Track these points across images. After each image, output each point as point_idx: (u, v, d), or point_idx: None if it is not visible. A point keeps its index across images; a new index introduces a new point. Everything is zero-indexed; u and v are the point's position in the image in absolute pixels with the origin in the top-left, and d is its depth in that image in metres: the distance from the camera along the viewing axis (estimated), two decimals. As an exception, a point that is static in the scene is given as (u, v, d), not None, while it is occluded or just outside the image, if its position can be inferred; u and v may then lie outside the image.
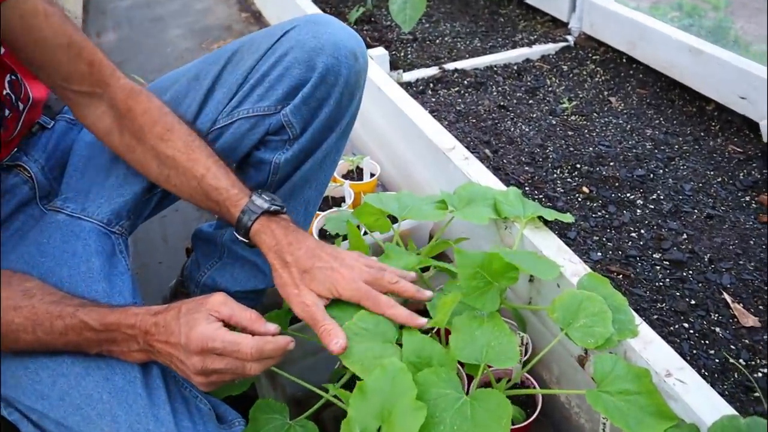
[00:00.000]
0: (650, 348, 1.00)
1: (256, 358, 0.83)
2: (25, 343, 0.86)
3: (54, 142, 1.11)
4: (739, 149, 1.60)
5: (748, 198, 1.44)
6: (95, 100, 1.00)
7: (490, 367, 0.97)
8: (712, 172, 1.52)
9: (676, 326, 1.11)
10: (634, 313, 1.05)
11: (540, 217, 1.25)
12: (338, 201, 1.67)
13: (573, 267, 1.14)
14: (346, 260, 0.97)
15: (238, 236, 0.99)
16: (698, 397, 0.93)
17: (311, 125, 1.10)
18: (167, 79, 1.16)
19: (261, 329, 0.86)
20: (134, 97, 1.01)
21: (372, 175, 1.72)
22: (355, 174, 1.75)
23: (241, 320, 0.86)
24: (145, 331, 0.85)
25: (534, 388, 1.15)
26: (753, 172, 1.52)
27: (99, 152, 1.08)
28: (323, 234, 1.54)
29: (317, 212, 1.49)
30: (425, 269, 1.33)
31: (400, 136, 1.70)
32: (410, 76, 2.00)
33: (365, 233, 1.48)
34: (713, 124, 1.72)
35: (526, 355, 1.18)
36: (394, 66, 2.08)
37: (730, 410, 0.91)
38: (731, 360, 1.05)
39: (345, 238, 1.33)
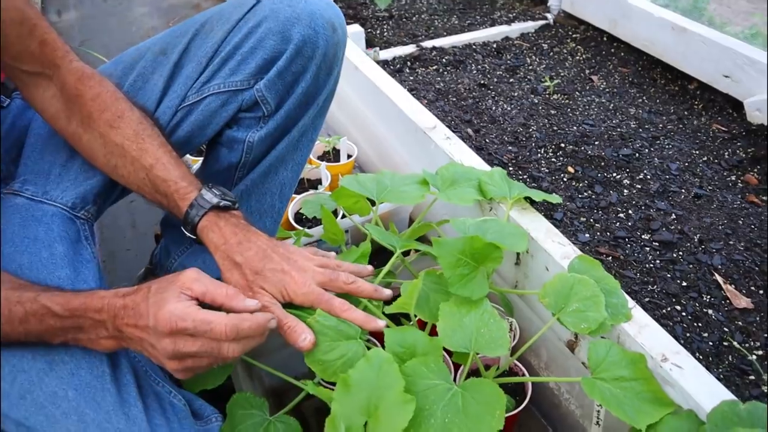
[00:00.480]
0: (645, 332, 0.96)
1: (233, 338, 0.76)
2: None
3: (10, 121, 1.03)
4: (723, 128, 1.58)
5: (734, 177, 1.41)
6: (45, 81, 0.94)
7: (478, 354, 0.92)
8: (697, 152, 1.49)
9: (669, 309, 1.07)
10: (627, 297, 1.01)
11: (527, 198, 1.21)
12: (314, 183, 1.60)
13: (562, 249, 1.09)
14: (298, 262, 0.92)
15: (186, 232, 0.93)
16: (695, 383, 0.90)
17: (287, 101, 1.04)
18: (132, 54, 1.08)
19: (239, 306, 0.79)
20: (85, 81, 0.94)
21: (349, 156, 1.65)
22: (332, 155, 1.69)
23: (217, 297, 0.79)
24: (113, 315, 0.79)
25: (523, 375, 1.11)
26: (738, 151, 1.49)
27: None
28: (299, 218, 1.48)
29: (293, 195, 1.43)
30: (407, 253, 1.27)
31: (378, 115, 1.64)
32: (387, 54, 1.93)
33: (343, 216, 1.42)
34: (696, 102, 1.69)
35: (514, 341, 1.14)
36: (369, 44, 2.01)
37: (728, 395, 0.88)
38: (729, 342, 1.02)
39: (317, 222, 1.27)
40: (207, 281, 0.80)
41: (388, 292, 0.95)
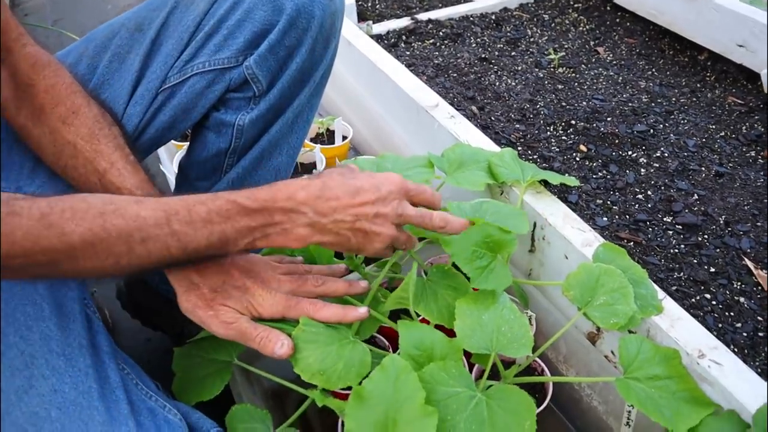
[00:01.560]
0: (678, 326, 0.89)
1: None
2: (154, 246, 0.69)
3: None
4: (739, 101, 1.49)
5: (753, 153, 1.33)
6: None
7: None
8: (713, 126, 1.40)
9: (698, 297, 1.00)
10: (657, 287, 0.93)
11: (541, 181, 1.12)
12: (308, 167, 1.50)
13: (583, 236, 1.01)
14: (261, 273, 0.83)
15: None
16: (737, 380, 0.82)
17: (280, 79, 0.94)
18: (104, 31, 0.97)
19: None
20: (39, 69, 0.84)
21: (344, 138, 1.55)
22: (326, 137, 1.59)
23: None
24: (316, 196, 0.75)
25: (542, 371, 1.03)
26: (756, 125, 1.41)
27: None
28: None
29: (286, 181, 1.33)
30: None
31: (375, 94, 1.53)
32: (380, 27, 1.82)
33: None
34: (708, 74, 1.61)
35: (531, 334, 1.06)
36: (361, 17, 1.90)
37: (772, 393, 0.81)
38: (764, 332, 0.95)
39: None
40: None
41: (363, 284, 0.88)
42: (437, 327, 0.91)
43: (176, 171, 1.10)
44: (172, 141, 1.52)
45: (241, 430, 0.83)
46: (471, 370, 1.02)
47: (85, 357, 0.76)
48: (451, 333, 0.83)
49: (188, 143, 1.05)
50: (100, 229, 0.66)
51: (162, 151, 1.53)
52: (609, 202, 1.16)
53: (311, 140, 1.57)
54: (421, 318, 0.91)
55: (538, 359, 1.03)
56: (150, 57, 0.93)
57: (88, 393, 0.73)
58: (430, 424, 0.70)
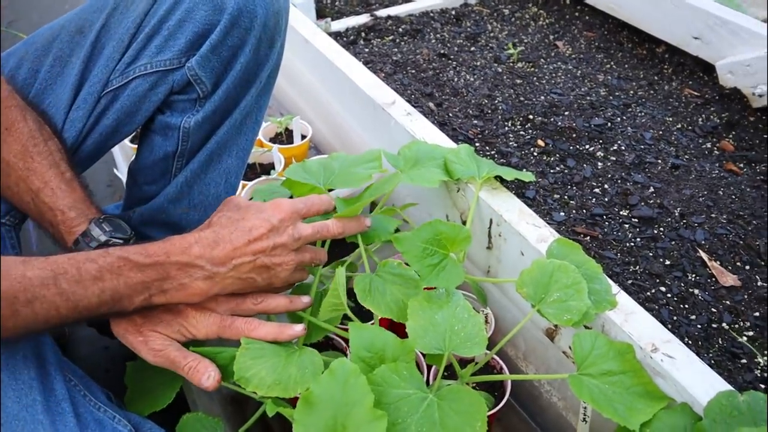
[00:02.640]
0: (632, 320, 0.89)
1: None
2: (41, 307, 0.68)
3: None
4: (695, 93, 1.50)
5: (709, 144, 1.34)
6: None
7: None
8: (670, 119, 1.41)
9: (653, 290, 1.00)
10: (611, 282, 0.93)
11: (497, 177, 1.11)
12: (267, 168, 1.48)
13: (538, 232, 1.00)
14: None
15: None
16: (689, 373, 0.82)
17: (224, 80, 0.92)
18: (45, 34, 0.94)
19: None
20: None
21: (303, 137, 1.53)
22: (284, 137, 1.56)
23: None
24: (211, 246, 0.76)
25: (501, 369, 1.02)
26: (712, 117, 1.42)
27: None
28: (251, 207, 1.36)
29: (243, 182, 1.31)
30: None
31: (333, 92, 1.52)
32: (339, 25, 1.80)
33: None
34: (665, 66, 1.62)
35: (489, 332, 1.05)
36: (320, 14, 1.88)
37: (723, 385, 0.81)
38: (718, 324, 0.95)
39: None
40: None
41: (305, 300, 0.87)
42: (393, 325, 0.90)
43: (126, 175, 1.08)
44: (128, 143, 1.49)
45: (192, 440, 0.81)
46: (429, 370, 1.01)
47: (30, 369, 0.74)
48: (403, 328, 0.82)
49: (137, 147, 1.03)
50: None
51: (118, 156, 1.50)
52: (566, 197, 1.16)
53: (270, 140, 1.54)
54: (381, 318, 0.90)
55: (496, 357, 1.02)
56: (91, 60, 0.91)
57: (31, 406, 0.71)
58: (380, 427, 0.68)
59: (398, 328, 0.86)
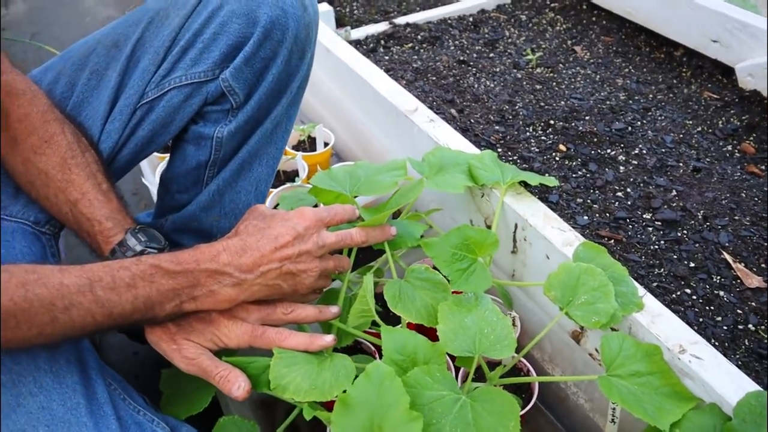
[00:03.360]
0: (659, 322, 0.90)
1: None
2: (78, 313, 0.70)
3: None
4: (715, 96, 1.51)
5: (730, 147, 1.35)
6: None
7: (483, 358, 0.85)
8: (690, 122, 1.42)
9: (678, 293, 1.01)
10: (637, 284, 0.94)
11: (521, 182, 1.13)
12: (291, 175, 1.51)
13: (563, 236, 1.02)
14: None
15: None
16: (717, 374, 0.84)
17: (257, 91, 0.94)
18: (81, 48, 0.97)
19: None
20: (14, 98, 0.84)
21: (326, 144, 1.56)
22: (307, 144, 1.59)
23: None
24: (238, 253, 0.78)
25: (528, 371, 1.04)
26: (732, 120, 1.43)
27: None
28: (277, 214, 1.38)
29: (269, 190, 1.33)
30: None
31: (354, 100, 1.54)
32: (359, 33, 1.83)
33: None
34: (684, 70, 1.63)
35: (516, 335, 1.07)
36: (339, 23, 1.91)
37: (752, 385, 0.82)
38: (744, 326, 0.96)
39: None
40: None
41: (334, 310, 0.89)
42: (420, 329, 0.92)
43: (158, 183, 1.10)
44: (155, 153, 1.52)
45: (229, 442, 0.83)
46: (457, 373, 1.02)
47: (73, 374, 0.77)
48: (432, 332, 0.84)
49: (169, 156, 1.05)
50: (21, 299, 0.66)
51: (144, 164, 1.53)
52: (589, 201, 1.18)
53: (293, 148, 1.57)
54: (408, 324, 0.92)
55: (523, 359, 1.04)
56: (127, 73, 0.94)
57: (76, 409, 0.74)
58: (416, 428, 0.70)
59: (425, 333, 0.88)
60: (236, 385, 0.79)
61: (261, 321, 0.84)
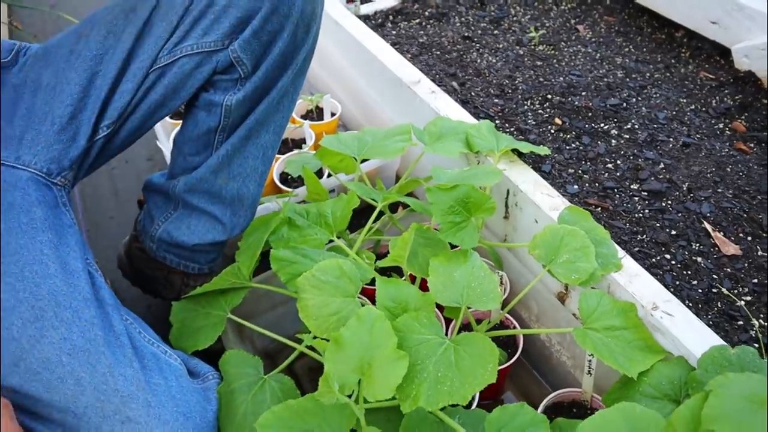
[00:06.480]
0: (635, 281, 0.96)
1: None
2: None
3: None
4: (710, 76, 1.56)
5: (722, 125, 1.40)
6: None
7: (469, 308, 0.92)
8: (684, 100, 1.47)
9: (658, 258, 1.07)
10: (617, 246, 1.01)
11: (514, 151, 1.19)
12: (298, 143, 1.57)
13: (551, 201, 1.08)
14: None
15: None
16: (686, 329, 0.90)
17: (264, 62, 1.00)
18: (102, 12, 1.03)
19: None
20: None
21: (333, 114, 1.62)
22: (315, 114, 1.65)
23: None
24: None
25: (514, 328, 1.11)
26: (725, 99, 1.48)
27: (29, 94, 0.96)
28: (285, 178, 1.46)
29: (276, 155, 1.40)
30: (394, 210, 1.26)
31: (361, 71, 1.60)
32: (368, 8, 1.88)
33: (329, 175, 1.40)
34: (683, 50, 1.67)
35: (504, 294, 1.14)
36: (350, -2, 1.96)
37: (718, 341, 0.89)
38: (718, 289, 1.02)
39: (303, 182, 1.25)
40: None
41: None
42: (422, 287, 0.99)
43: (171, 147, 1.17)
44: (168, 119, 1.59)
45: (234, 373, 0.91)
46: (447, 327, 1.10)
47: (90, 309, 0.84)
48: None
49: (182, 121, 1.12)
50: None
51: (159, 128, 1.61)
52: (580, 171, 1.24)
53: (302, 117, 1.63)
54: (409, 274, 0.99)
55: (510, 317, 1.11)
56: (142, 37, 0.99)
57: (94, 341, 0.82)
58: (401, 366, 0.77)
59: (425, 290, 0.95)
60: None
61: None
